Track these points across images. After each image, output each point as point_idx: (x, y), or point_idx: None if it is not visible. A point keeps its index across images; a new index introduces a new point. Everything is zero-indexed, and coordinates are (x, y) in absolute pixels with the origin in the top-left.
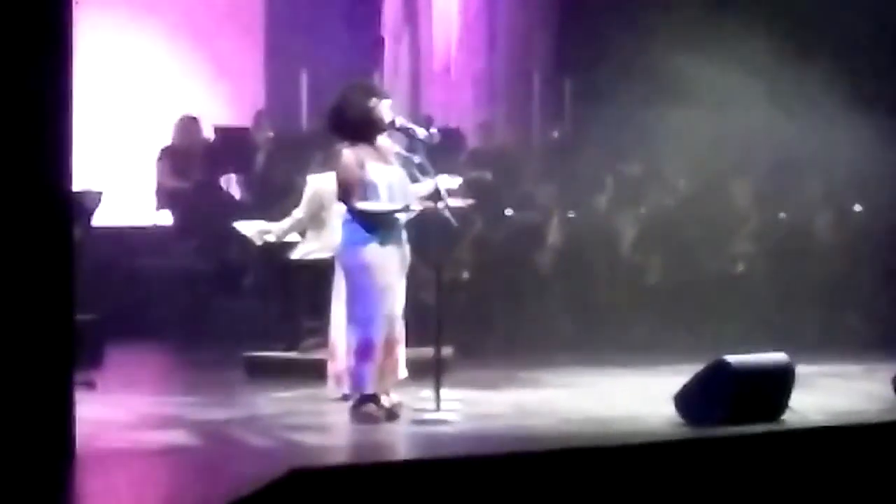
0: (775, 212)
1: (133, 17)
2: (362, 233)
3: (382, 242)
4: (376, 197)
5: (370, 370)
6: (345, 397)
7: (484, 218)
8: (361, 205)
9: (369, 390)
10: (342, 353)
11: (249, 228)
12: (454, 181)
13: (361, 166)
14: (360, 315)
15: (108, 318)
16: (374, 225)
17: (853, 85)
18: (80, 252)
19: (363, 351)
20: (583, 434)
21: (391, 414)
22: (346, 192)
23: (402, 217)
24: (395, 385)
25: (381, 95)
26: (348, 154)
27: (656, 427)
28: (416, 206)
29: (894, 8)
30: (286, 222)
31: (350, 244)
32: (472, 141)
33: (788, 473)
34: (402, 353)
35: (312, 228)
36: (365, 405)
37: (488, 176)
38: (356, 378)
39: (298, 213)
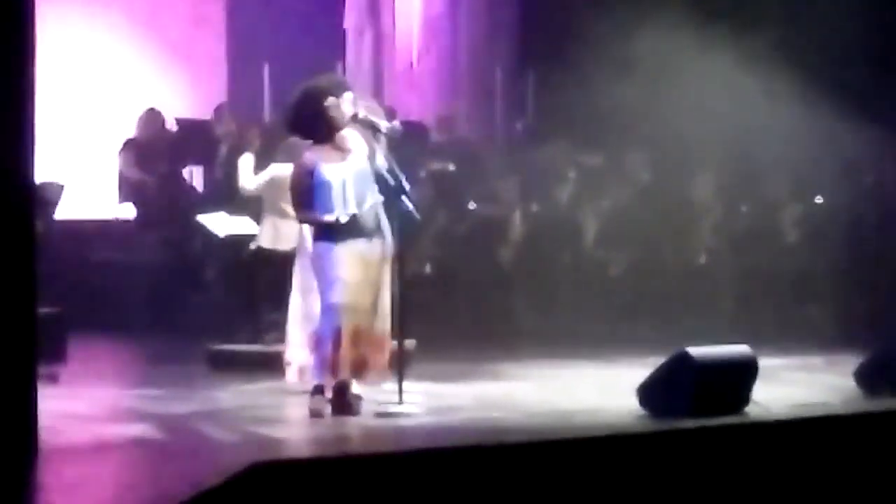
0: (738, 204)
1: (95, 10)
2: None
3: (341, 238)
4: (328, 198)
5: (318, 361)
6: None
7: (447, 212)
8: (301, 216)
9: (317, 380)
10: (296, 344)
11: (212, 221)
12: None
13: (311, 171)
14: (318, 306)
15: (70, 312)
16: (327, 227)
17: (818, 77)
18: (43, 245)
19: (316, 342)
20: (546, 426)
21: (347, 406)
22: (293, 200)
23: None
24: (381, 377)
25: (339, 91)
26: (300, 163)
27: (619, 419)
28: (374, 199)
29: (858, 1)
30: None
31: (311, 237)
32: (435, 134)
33: (752, 465)
34: (377, 349)
35: (272, 217)
36: (312, 397)
37: (451, 167)
38: (310, 369)
39: (249, 185)
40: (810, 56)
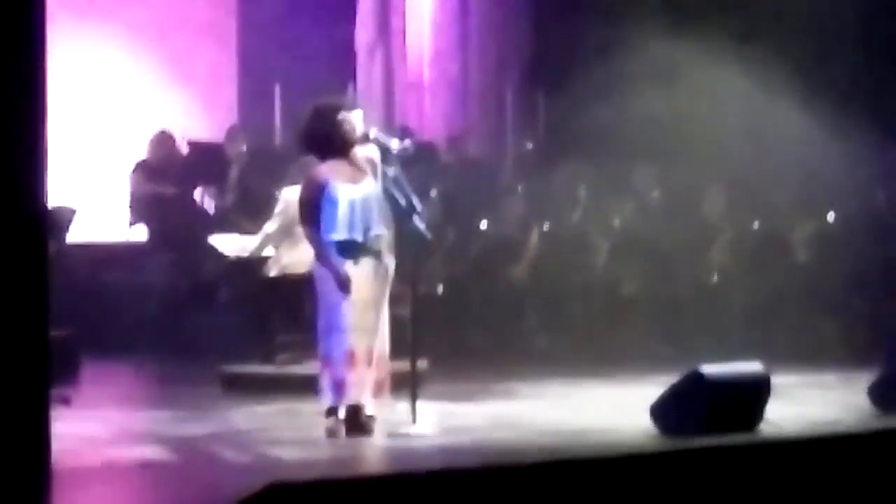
0: (750, 221)
1: (107, 33)
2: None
3: (348, 257)
4: (333, 217)
5: (331, 382)
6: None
7: (457, 231)
8: (305, 230)
9: (331, 402)
10: None
11: (223, 242)
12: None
13: (321, 186)
14: (324, 327)
15: (83, 334)
16: (330, 245)
17: (829, 91)
18: (55, 268)
19: (325, 362)
20: (559, 446)
21: (362, 427)
22: (300, 211)
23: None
24: (375, 397)
25: (350, 108)
26: (311, 175)
27: (632, 438)
28: (379, 231)
29: (876, 12)
30: (257, 238)
31: (316, 258)
32: (446, 153)
33: (765, 484)
34: (379, 368)
35: (286, 242)
36: (327, 418)
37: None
38: (321, 390)
39: (269, 228)
40: (822, 69)
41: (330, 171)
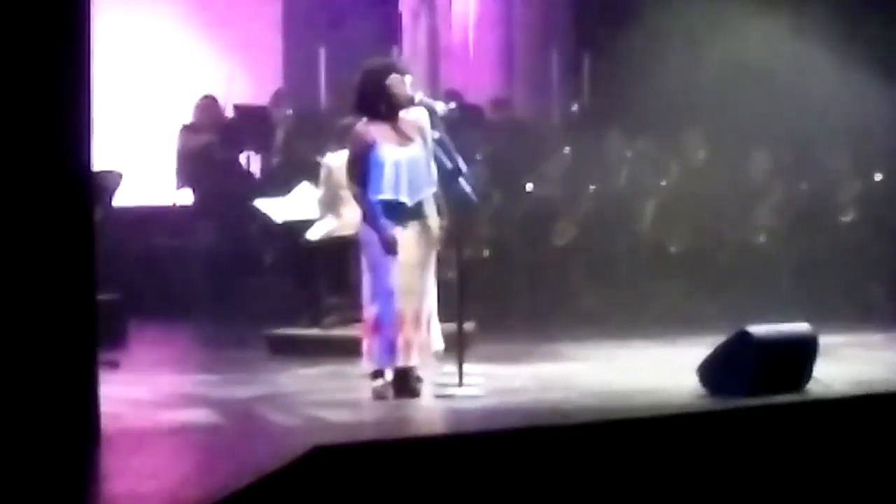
0: (797, 182)
1: None
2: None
3: (394, 219)
4: (380, 177)
5: (383, 345)
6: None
7: (503, 193)
8: (352, 191)
9: (381, 365)
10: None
11: (270, 206)
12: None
13: (370, 145)
14: (372, 290)
15: (130, 298)
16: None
17: (878, 49)
18: (102, 232)
19: (375, 326)
20: (605, 407)
21: (410, 389)
22: (348, 170)
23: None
24: (427, 359)
25: (401, 72)
26: (358, 131)
27: (679, 399)
28: (427, 192)
29: None
30: (305, 206)
31: (363, 220)
32: (491, 116)
33: (813, 444)
34: (433, 326)
35: (332, 207)
36: (374, 381)
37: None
38: (370, 353)
39: (317, 196)
40: (872, 27)
41: (377, 133)
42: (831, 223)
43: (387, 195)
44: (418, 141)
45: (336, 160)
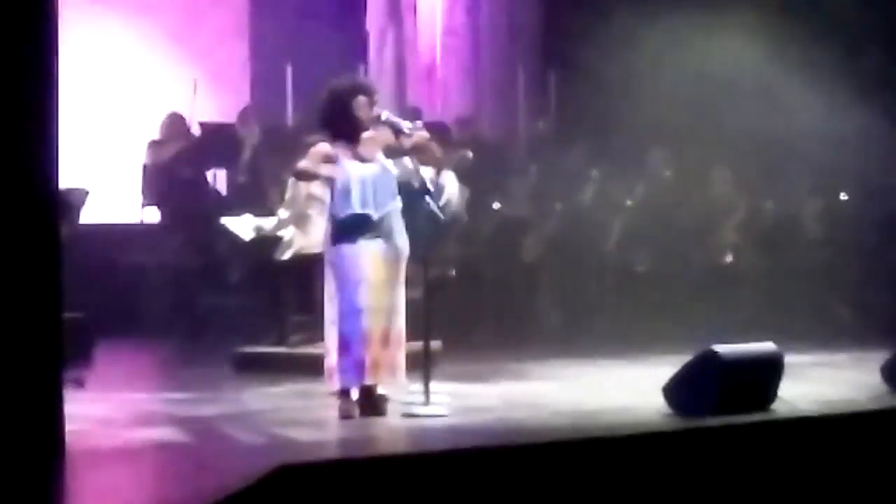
0: (763, 201)
1: (117, 14)
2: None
3: (359, 237)
4: (347, 195)
5: (350, 364)
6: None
7: (470, 212)
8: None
9: (348, 384)
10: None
11: (237, 224)
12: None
13: (333, 160)
14: (340, 309)
15: (96, 316)
16: (345, 228)
17: (841, 71)
18: (68, 250)
19: (343, 344)
20: (572, 426)
21: (377, 408)
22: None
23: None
24: (395, 378)
25: (368, 93)
26: (317, 149)
27: (646, 418)
28: (393, 206)
29: None
30: (271, 222)
31: (328, 238)
32: (457, 134)
33: (778, 463)
34: (396, 349)
35: (298, 225)
36: (340, 399)
37: (469, 155)
38: (334, 372)
39: (283, 214)
40: (833, 47)
41: (342, 150)
42: (797, 242)
43: (354, 210)
44: (382, 159)
45: None
